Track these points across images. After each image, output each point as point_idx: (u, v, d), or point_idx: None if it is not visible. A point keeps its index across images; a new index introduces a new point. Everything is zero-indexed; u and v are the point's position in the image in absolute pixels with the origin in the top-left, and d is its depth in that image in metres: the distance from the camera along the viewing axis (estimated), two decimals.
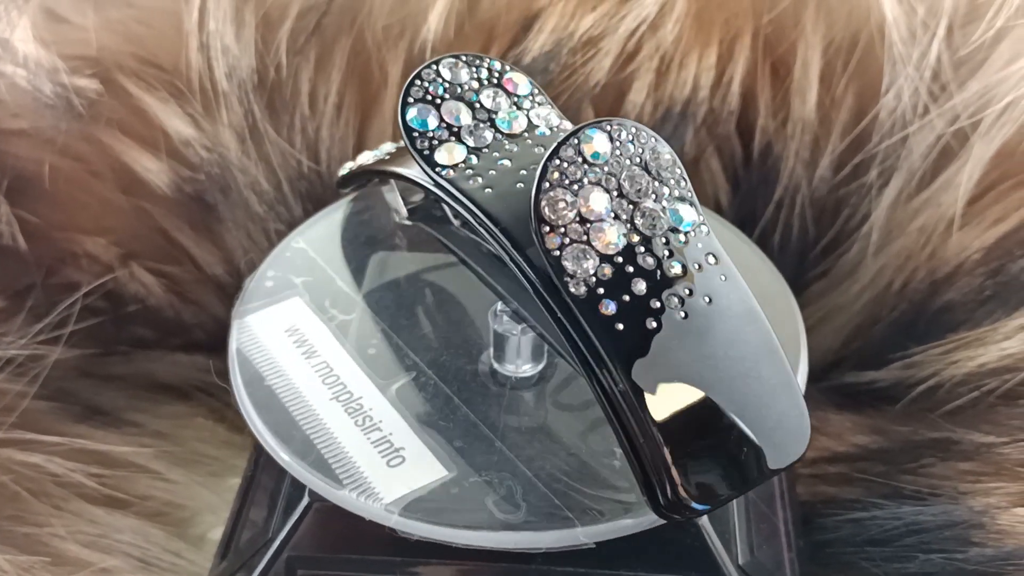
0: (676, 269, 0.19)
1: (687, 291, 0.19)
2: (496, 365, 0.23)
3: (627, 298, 0.18)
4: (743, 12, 0.29)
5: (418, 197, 0.25)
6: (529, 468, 0.21)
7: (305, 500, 0.21)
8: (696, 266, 0.19)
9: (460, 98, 0.21)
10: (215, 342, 0.31)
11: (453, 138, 0.21)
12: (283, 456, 0.21)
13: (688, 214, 0.19)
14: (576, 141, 0.18)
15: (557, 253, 0.18)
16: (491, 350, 0.23)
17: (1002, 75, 0.26)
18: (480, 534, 0.19)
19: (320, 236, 0.26)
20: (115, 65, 0.28)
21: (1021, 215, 0.27)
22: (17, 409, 0.26)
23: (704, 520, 0.21)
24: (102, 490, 0.26)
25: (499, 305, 0.23)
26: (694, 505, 0.18)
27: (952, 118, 0.27)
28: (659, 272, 0.18)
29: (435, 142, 0.21)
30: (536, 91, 0.22)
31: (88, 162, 0.29)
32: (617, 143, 0.19)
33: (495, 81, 0.21)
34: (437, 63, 0.21)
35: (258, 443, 0.22)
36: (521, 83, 0.22)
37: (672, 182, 0.19)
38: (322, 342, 0.23)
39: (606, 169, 0.18)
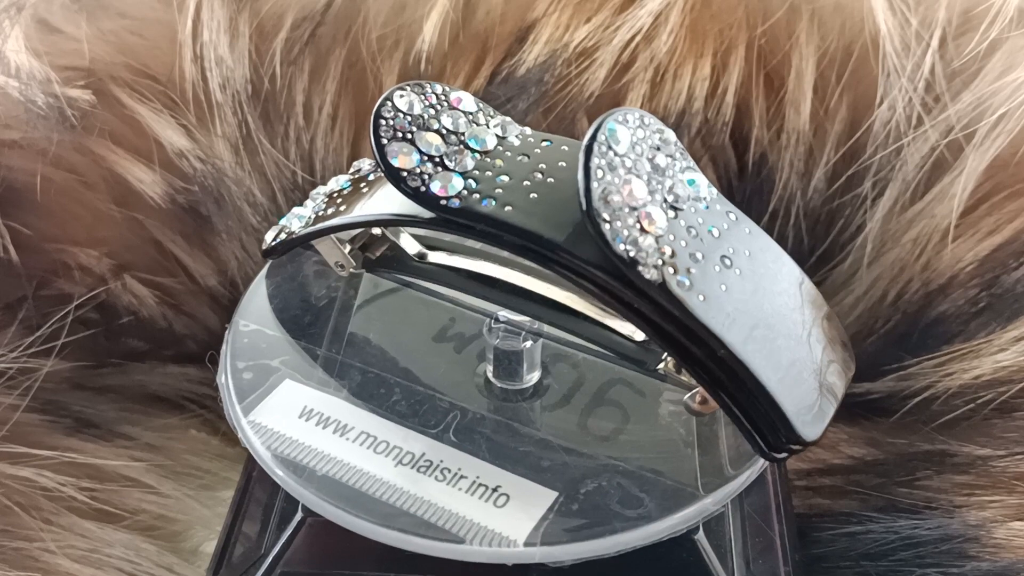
0: (715, 232, 0.20)
1: (731, 250, 0.20)
2: (500, 382, 0.22)
3: (693, 271, 0.19)
4: (737, 23, 0.29)
5: (341, 253, 0.24)
6: (623, 463, 0.21)
7: (299, 515, 0.21)
8: (725, 226, 0.20)
9: (427, 128, 0.20)
10: (208, 354, 0.31)
11: (440, 168, 0.20)
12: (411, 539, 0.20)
13: (701, 180, 0.20)
14: (603, 138, 0.19)
15: (623, 246, 0.18)
16: (490, 368, 0.23)
17: (996, 86, 0.26)
18: (629, 535, 0.20)
19: (263, 313, 0.24)
20: (108, 76, 0.28)
21: (1015, 226, 0.27)
22: (8, 422, 0.26)
23: (700, 534, 0.21)
24: (93, 504, 0.26)
25: (492, 322, 0.23)
26: (809, 438, 0.20)
27: (946, 129, 0.27)
28: (703, 240, 0.19)
29: (425, 177, 0.20)
30: (481, 105, 0.21)
31: (80, 173, 0.29)
32: (631, 131, 0.19)
33: (446, 104, 0.21)
34: (389, 98, 0.20)
35: (251, 456, 0.22)
36: (466, 100, 0.21)
37: (678, 155, 0.20)
38: (345, 414, 0.22)
39: (632, 157, 0.19)
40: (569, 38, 0.28)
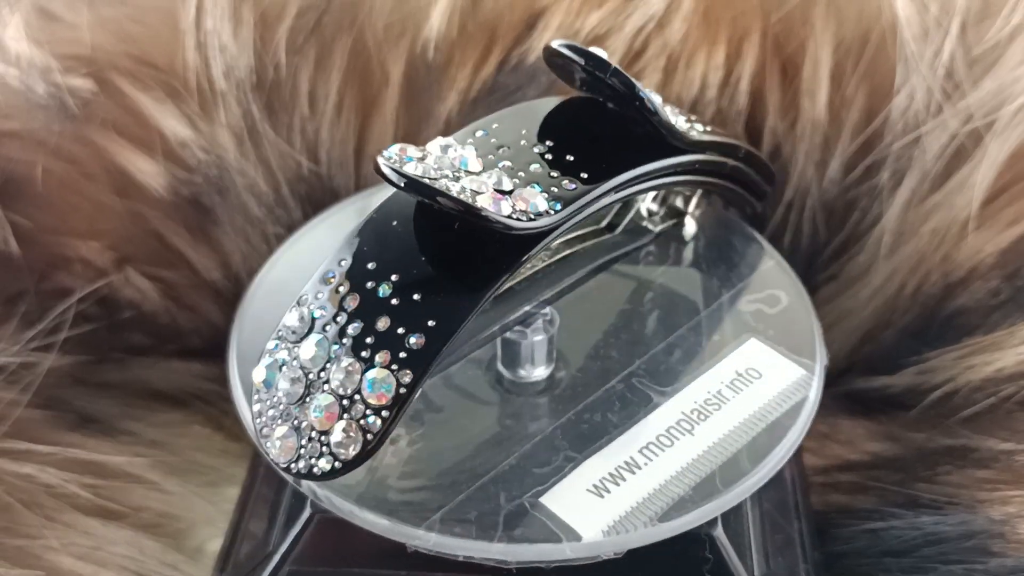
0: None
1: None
2: (535, 371, 0.22)
3: (694, 119, 0.23)
4: (751, 10, 0.28)
5: None
6: (732, 296, 0.25)
7: (307, 512, 0.21)
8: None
9: (455, 176, 0.19)
10: (211, 348, 0.30)
11: (509, 195, 0.19)
12: None
13: None
14: (615, 68, 0.21)
15: (686, 127, 0.22)
16: (530, 365, 0.22)
17: (1017, 74, 0.26)
18: None
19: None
20: (109, 64, 0.28)
21: None
22: (9, 418, 0.25)
23: (719, 531, 0.20)
24: (96, 501, 0.26)
25: (521, 326, 0.22)
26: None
27: (966, 118, 0.26)
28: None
29: (527, 206, 0.19)
30: (421, 148, 0.20)
31: (82, 164, 0.29)
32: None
33: (418, 155, 0.20)
34: (408, 181, 0.19)
35: (257, 452, 0.21)
36: (412, 148, 0.20)
37: None
38: (610, 461, 0.21)
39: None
40: (580, 25, 0.28)
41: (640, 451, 0.21)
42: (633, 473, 0.20)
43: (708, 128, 0.23)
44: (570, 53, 0.21)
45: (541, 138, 0.21)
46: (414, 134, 0.30)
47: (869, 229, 0.28)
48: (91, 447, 0.27)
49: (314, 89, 0.29)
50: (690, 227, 0.25)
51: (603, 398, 0.22)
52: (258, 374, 0.20)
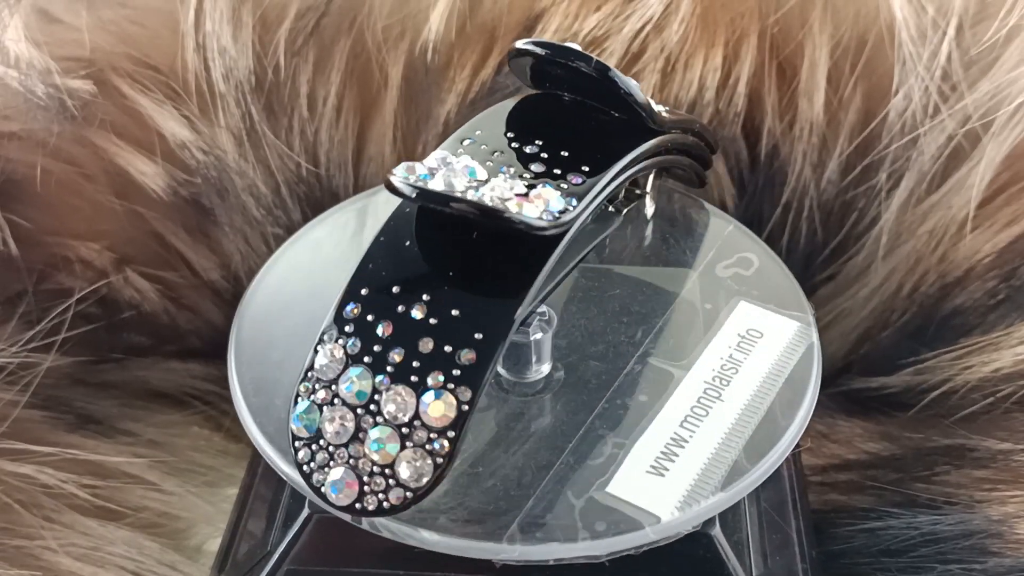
0: None
1: None
2: (541, 369, 0.22)
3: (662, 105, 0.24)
4: (749, 12, 0.28)
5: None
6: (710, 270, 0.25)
7: (305, 511, 0.21)
8: None
9: (469, 186, 0.19)
10: (211, 349, 0.30)
11: (526, 196, 0.19)
12: None
13: None
14: (591, 60, 0.21)
15: (658, 110, 0.22)
16: (536, 364, 0.22)
17: (1014, 75, 0.26)
18: None
19: None
20: (109, 66, 0.28)
21: None
22: (8, 418, 0.25)
23: (717, 530, 0.20)
24: (95, 501, 0.26)
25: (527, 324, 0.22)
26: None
27: (963, 119, 0.27)
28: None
29: (555, 203, 0.19)
30: (424, 161, 0.20)
31: (81, 165, 0.29)
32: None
33: (424, 167, 0.20)
34: (430, 194, 0.19)
35: (256, 452, 0.21)
36: (417, 167, 0.20)
37: None
38: (658, 436, 0.21)
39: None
40: (578, 27, 0.28)
41: (681, 425, 0.21)
42: (683, 448, 0.20)
43: (667, 108, 0.23)
44: (538, 49, 0.22)
45: (528, 138, 0.21)
46: (413, 136, 0.30)
47: (867, 230, 0.29)
48: (90, 447, 0.27)
49: (313, 91, 0.29)
50: (650, 206, 0.26)
51: (627, 382, 0.22)
52: (297, 421, 0.19)
